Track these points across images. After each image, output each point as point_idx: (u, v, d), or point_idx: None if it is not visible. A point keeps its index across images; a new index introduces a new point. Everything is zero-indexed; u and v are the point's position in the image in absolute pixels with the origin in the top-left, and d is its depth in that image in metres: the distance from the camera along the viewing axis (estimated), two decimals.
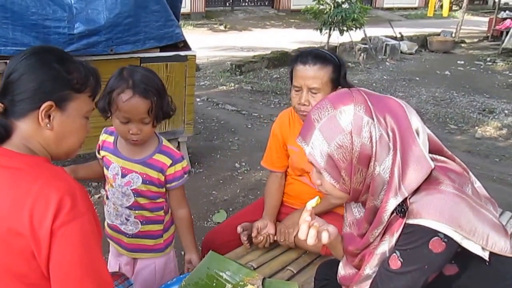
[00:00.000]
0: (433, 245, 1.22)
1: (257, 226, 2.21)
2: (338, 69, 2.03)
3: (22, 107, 1.22)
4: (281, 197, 2.39)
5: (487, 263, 1.28)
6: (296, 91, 2.07)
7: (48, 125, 1.23)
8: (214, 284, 1.90)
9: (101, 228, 1.29)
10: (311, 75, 2.00)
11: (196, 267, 1.96)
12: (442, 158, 1.37)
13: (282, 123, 2.32)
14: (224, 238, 2.30)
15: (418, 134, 1.27)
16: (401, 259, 1.27)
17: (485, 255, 1.26)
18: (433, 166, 1.25)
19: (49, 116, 1.23)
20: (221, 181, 4.53)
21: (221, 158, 5.08)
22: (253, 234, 2.21)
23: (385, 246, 1.32)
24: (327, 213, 2.19)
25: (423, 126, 1.30)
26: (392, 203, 1.25)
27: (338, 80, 2.03)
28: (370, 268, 1.37)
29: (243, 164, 4.90)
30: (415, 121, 1.28)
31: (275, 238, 2.23)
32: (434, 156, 1.35)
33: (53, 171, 1.21)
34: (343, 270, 1.56)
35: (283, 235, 2.19)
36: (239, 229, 2.22)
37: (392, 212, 1.27)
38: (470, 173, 1.41)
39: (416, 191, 1.25)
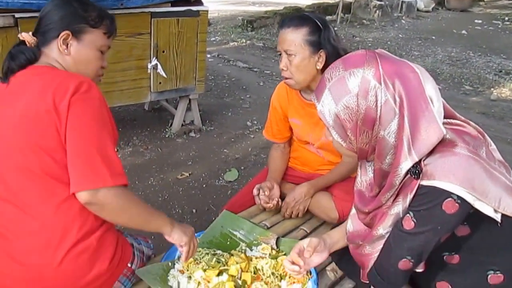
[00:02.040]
0: (447, 206, 1.23)
1: (266, 186, 2.22)
2: (317, 31, 1.95)
3: (47, 36, 1.52)
4: (284, 164, 2.39)
5: (499, 225, 1.29)
6: (279, 55, 2.05)
7: (65, 50, 1.52)
8: (228, 243, 1.94)
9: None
10: (285, 38, 1.97)
11: (210, 226, 1.99)
12: (457, 122, 1.37)
13: (280, 95, 2.28)
14: (243, 206, 2.31)
15: (432, 100, 1.27)
16: (414, 220, 1.29)
17: (497, 217, 1.27)
18: (445, 133, 1.25)
19: (67, 44, 1.52)
20: (232, 139, 4.54)
21: (232, 116, 5.08)
22: (262, 196, 2.20)
23: (399, 207, 1.33)
24: (345, 180, 2.20)
25: (438, 93, 1.29)
26: (403, 167, 1.26)
27: (319, 43, 1.95)
28: (383, 228, 1.39)
29: (255, 122, 4.90)
30: (430, 88, 1.27)
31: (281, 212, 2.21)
32: (449, 120, 1.35)
33: (73, 73, 1.48)
34: (352, 227, 1.58)
35: (290, 209, 2.18)
36: (254, 191, 2.23)
37: (406, 174, 1.28)
38: (486, 136, 1.40)
39: (430, 153, 1.26)
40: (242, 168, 4.00)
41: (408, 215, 1.31)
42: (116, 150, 1.43)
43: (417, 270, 1.38)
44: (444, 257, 1.43)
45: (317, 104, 1.35)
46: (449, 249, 1.41)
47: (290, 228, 2.15)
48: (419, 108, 1.24)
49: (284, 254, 1.86)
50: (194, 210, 3.35)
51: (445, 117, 1.32)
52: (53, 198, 1.39)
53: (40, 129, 1.36)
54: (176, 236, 1.58)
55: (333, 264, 1.85)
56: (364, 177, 1.49)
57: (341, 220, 2.04)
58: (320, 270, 1.80)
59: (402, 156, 1.25)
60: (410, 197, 1.29)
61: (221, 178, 3.83)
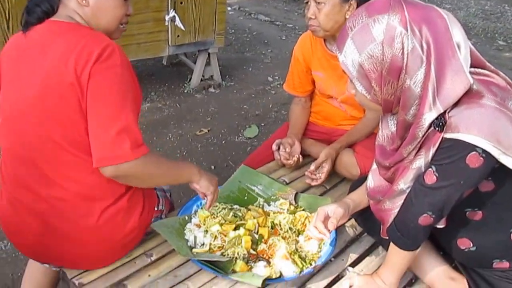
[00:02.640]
0: (470, 160, 1.18)
1: (286, 142, 2.18)
2: None
3: None
4: (305, 119, 2.35)
5: None
6: (306, 2, 1.99)
7: (84, 1, 1.41)
8: (246, 198, 1.92)
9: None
10: None
11: (228, 181, 1.97)
12: (485, 72, 1.30)
13: (304, 46, 2.21)
14: (263, 162, 2.28)
15: (459, 47, 1.20)
16: (436, 174, 1.25)
17: None
18: (472, 82, 1.19)
19: None
20: (252, 95, 4.49)
21: (253, 71, 5.01)
22: (282, 152, 2.17)
23: (421, 161, 1.29)
24: (368, 136, 2.15)
25: (465, 39, 1.22)
26: (427, 118, 1.21)
27: None
28: (404, 183, 1.35)
29: (276, 77, 4.83)
30: (457, 34, 1.21)
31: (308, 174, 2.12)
32: (476, 70, 1.28)
33: (96, 33, 1.41)
34: (372, 183, 1.54)
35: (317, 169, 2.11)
36: (274, 146, 2.20)
37: (429, 127, 1.23)
38: None
39: (455, 104, 1.20)
40: (262, 124, 3.96)
41: (430, 169, 1.26)
42: (137, 115, 1.41)
43: (438, 226, 1.34)
44: (467, 213, 1.39)
45: (339, 55, 1.29)
46: (472, 205, 1.37)
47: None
48: (446, 56, 1.18)
49: (303, 210, 1.84)
50: (212, 167, 3.35)
51: (473, 66, 1.25)
52: (82, 168, 1.40)
53: (62, 103, 1.33)
54: (204, 184, 1.62)
55: (352, 220, 1.84)
56: (386, 131, 1.44)
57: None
58: (338, 227, 1.77)
59: (426, 106, 1.20)
60: (433, 150, 1.25)
61: (240, 135, 3.80)
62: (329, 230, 1.56)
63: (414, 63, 1.18)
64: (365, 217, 1.72)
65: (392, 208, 1.40)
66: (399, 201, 1.38)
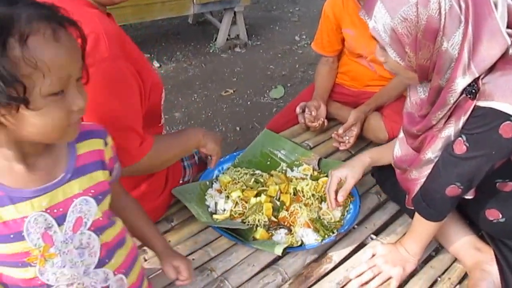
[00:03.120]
0: (504, 130, 1.12)
1: (312, 105, 2.13)
2: None
3: None
4: (331, 81, 2.28)
5: None
6: None
7: None
8: (268, 163, 1.89)
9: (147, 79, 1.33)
10: None
11: (250, 145, 1.94)
12: None
13: (334, 3, 2.12)
14: (287, 125, 2.25)
15: (496, 4, 1.13)
16: (467, 144, 1.19)
17: None
18: (509, 43, 1.11)
19: None
20: (279, 55, 4.41)
21: (279, 30, 4.90)
22: (307, 115, 2.13)
23: (451, 129, 1.24)
24: (397, 99, 2.08)
25: None
26: (459, 83, 1.14)
27: None
28: (432, 152, 1.30)
29: (303, 37, 4.72)
30: None
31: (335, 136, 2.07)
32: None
33: (80, 12, 1.10)
34: (399, 152, 1.49)
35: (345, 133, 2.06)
36: (298, 109, 2.16)
37: (461, 94, 1.16)
38: None
39: (490, 70, 1.13)
40: (289, 85, 3.89)
41: (460, 138, 1.21)
42: (139, 108, 1.31)
43: (466, 197, 1.30)
44: (497, 184, 1.34)
45: (368, 21, 1.21)
46: (503, 175, 1.31)
47: (334, 148, 2.08)
48: (482, 15, 1.10)
49: (326, 176, 1.80)
50: (237, 128, 3.32)
51: (510, 26, 1.16)
52: None
53: None
54: (211, 147, 1.60)
55: (377, 187, 1.80)
56: (414, 98, 1.38)
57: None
58: (363, 193, 1.75)
59: (459, 70, 1.13)
60: (463, 119, 1.19)
61: (266, 95, 3.75)
62: (338, 204, 1.58)
63: (452, 24, 1.11)
64: (390, 184, 1.68)
65: (419, 177, 1.36)
66: (426, 170, 1.33)
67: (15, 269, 0.91)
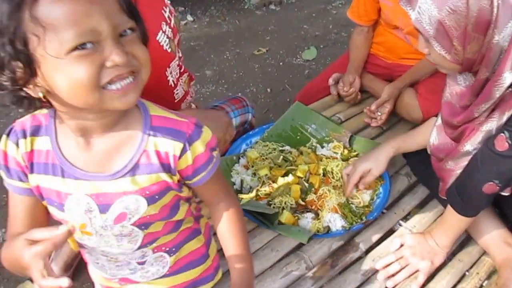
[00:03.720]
0: None
1: (348, 81, 2.07)
2: None
3: None
4: (366, 51, 2.18)
5: None
6: None
7: None
8: (298, 137, 1.85)
9: None
10: None
11: (281, 118, 1.89)
12: None
13: None
14: (318, 95, 2.19)
15: None
16: (509, 141, 1.14)
17: None
18: None
19: None
20: (313, 15, 4.26)
21: None
22: (341, 88, 2.07)
23: (493, 124, 1.18)
24: (433, 76, 1.98)
25: None
26: (507, 77, 1.08)
27: None
28: (471, 144, 1.25)
29: None
30: None
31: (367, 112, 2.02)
32: None
33: None
34: (436, 140, 1.44)
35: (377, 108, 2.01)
36: (330, 81, 2.11)
37: (508, 87, 1.10)
38: None
39: None
40: (322, 46, 3.77)
41: (502, 134, 1.15)
42: None
43: (503, 194, 1.25)
44: None
45: (410, 12, 1.13)
46: None
47: (365, 123, 2.02)
48: None
49: (357, 155, 1.76)
50: (268, 90, 3.25)
51: None
52: None
53: None
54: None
55: (407, 168, 1.74)
56: (454, 87, 1.30)
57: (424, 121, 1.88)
58: (393, 174, 1.70)
59: (508, 63, 1.07)
60: (508, 114, 1.14)
61: (298, 56, 3.64)
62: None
63: (505, 15, 1.04)
64: (422, 168, 1.63)
65: (455, 168, 1.32)
66: (463, 162, 1.29)
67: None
